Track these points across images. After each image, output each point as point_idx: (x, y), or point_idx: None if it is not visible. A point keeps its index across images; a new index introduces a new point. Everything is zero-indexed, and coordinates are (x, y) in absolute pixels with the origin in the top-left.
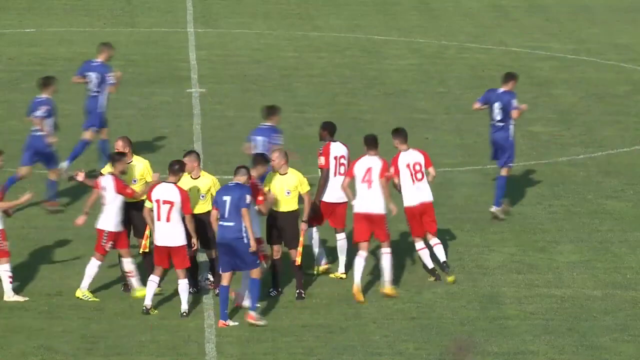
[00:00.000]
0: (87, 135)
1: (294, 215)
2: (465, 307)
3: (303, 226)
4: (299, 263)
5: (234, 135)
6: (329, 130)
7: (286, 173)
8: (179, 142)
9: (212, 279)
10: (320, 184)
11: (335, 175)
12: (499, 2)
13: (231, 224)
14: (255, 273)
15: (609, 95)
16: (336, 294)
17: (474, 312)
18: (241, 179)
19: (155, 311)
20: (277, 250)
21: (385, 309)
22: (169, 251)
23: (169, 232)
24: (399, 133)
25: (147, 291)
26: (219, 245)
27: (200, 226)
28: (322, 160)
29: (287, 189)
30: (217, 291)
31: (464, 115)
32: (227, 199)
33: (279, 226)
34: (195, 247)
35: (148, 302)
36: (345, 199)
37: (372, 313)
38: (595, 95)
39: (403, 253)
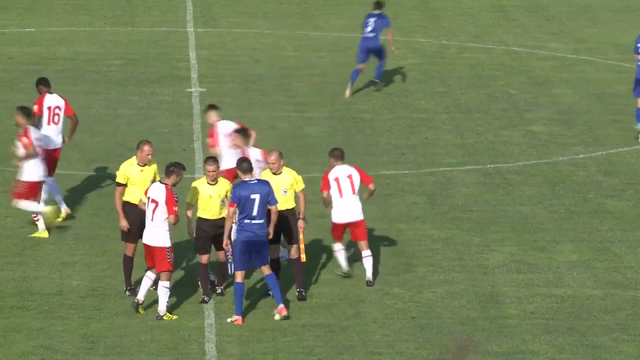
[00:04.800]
0: None
1: (291, 212)
2: (465, 307)
3: (301, 223)
4: (305, 260)
5: None
6: (43, 85)
7: (281, 172)
8: (179, 142)
9: (212, 278)
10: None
11: (49, 123)
12: (499, 2)
13: (261, 221)
14: (269, 269)
15: (609, 94)
16: (336, 293)
17: (474, 312)
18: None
19: (143, 311)
20: (275, 249)
21: (385, 308)
22: (151, 250)
23: (151, 231)
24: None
25: (141, 286)
26: (243, 243)
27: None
28: (35, 108)
29: (283, 187)
30: (219, 290)
31: (464, 115)
32: (256, 196)
33: (277, 225)
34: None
35: (140, 297)
36: (59, 146)
37: (372, 313)
38: (596, 95)
39: (403, 253)
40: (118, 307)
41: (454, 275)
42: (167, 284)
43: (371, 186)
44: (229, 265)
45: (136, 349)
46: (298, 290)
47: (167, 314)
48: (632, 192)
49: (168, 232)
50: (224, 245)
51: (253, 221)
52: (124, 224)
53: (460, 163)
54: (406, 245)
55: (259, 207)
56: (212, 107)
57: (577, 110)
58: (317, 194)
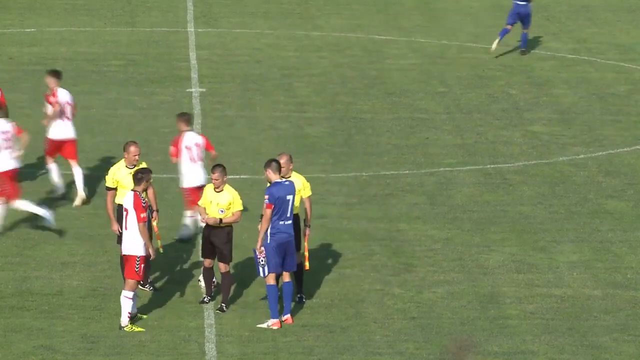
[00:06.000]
0: None
1: (295, 219)
2: (466, 307)
3: (307, 231)
4: (308, 268)
5: (234, 135)
6: None
7: (290, 177)
8: None
9: (214, 280)
10: None
11: None
12: (500, 2)
13: (291, 221)
14: (290, 277)
15: (609, 95)
16: (336, 293)
17: (474, 312)
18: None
19: (144, 316)
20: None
21: (385, 308)
22: (124, 259)
23: (125, 240)
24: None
25: (122, 309)
26: (278, 245)
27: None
28: None
29: None
30: (224, 308)
31: (464, 115)
32: (291, 197)
33: None
34: (152, 257)
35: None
36: None
37: (372, 313)
38: (596, 95)
39: (403, 253)
40: (118, 308)
41: (454, 275)
42: (130, 294)
43: (214, 153)
44: (260, 269)
45: (136, 349)
46: (299, 295)
47: (130, 325)
48: (633, 192)
49: (141, 241)
50: (257, 248)
51: (287, 222)
52: (115, 228)
53: (460, 163)
54: (406, 245)
55: (291, 208)
56: (54, 73)
57: (577, 110)
58: (317, 193)
